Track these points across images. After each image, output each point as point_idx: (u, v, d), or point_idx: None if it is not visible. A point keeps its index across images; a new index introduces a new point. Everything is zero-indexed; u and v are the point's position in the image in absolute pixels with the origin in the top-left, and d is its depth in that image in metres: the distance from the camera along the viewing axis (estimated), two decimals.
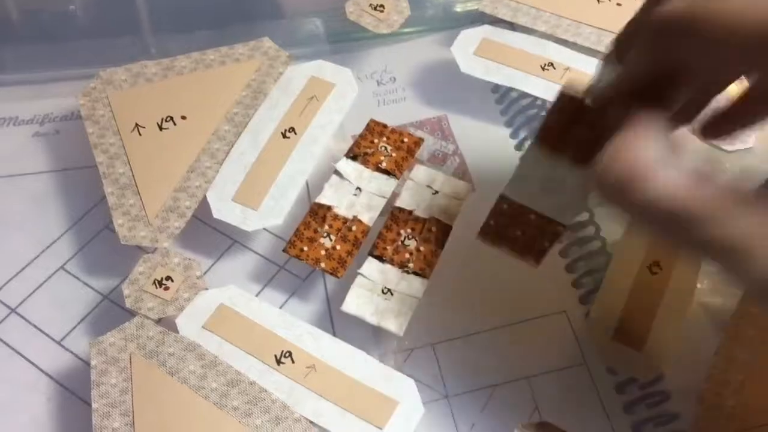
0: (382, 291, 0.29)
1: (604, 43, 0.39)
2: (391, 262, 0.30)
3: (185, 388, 0.27)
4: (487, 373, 0.30)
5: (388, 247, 0.31)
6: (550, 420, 0.28)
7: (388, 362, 0.30)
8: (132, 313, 0.30)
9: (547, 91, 0.36)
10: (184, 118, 0.34)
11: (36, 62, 0.40)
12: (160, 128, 0.34)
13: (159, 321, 0.29)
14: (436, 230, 0.31)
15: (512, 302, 0.31)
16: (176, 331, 0.29)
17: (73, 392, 0.29)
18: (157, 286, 0.30)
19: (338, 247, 0.30)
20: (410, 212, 0.32)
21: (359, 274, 0.30)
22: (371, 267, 0.30)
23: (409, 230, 0.31)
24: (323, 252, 0.30)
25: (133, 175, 0.33)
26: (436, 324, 0.31)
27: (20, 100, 0.38)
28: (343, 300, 0.29)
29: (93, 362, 0.28)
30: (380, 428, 0.27)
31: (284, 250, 0.31)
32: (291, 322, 0.29)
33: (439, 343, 0.31)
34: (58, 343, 0.31)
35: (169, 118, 0.34)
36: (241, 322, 0.29)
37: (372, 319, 0.29)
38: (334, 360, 0.28)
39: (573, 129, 0.28)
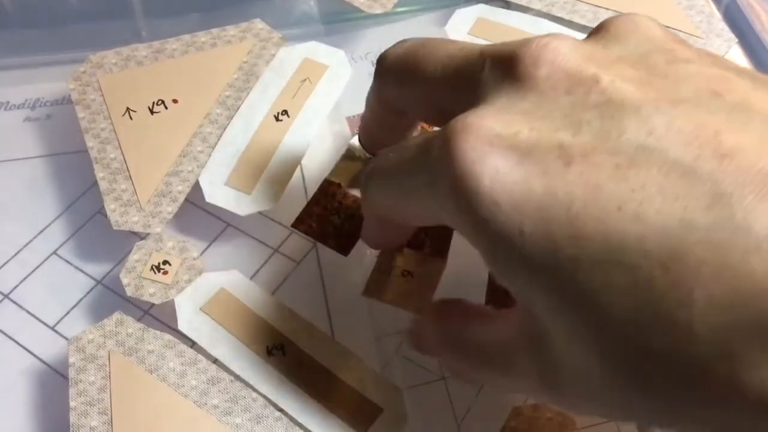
0: (402, 274, 0.29)
1: (600, 20, 0.38)
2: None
3: (164, 386, 0.27)
4: None
5: None
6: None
7: (385, 346, 0.30)
8: (127, 300, 0.30)
9: None
10: (175, 101, 0.34)
11: (26, 46, 0.39)
12: (152, 112, 0.34)
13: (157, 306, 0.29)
14: None
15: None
16: (195, 343, 0.29)
17: (67, 378, 0.29)
18: (156, 271, 0.30)
19: (346, 225, 0.30)
20: None
21: None
22: None
23: None
24: (332, 228, 0.30)
25: (124, 160, 0.32)
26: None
27: (11, 84, 0.38)
28: (339, 285, 0.29)
29: (71, 360, 0.27)
30: None
31: (293, 226, 0.31)
32: (290, 314, 0.29)
33: None
34: (52, 328, 0.31)
35: (160, 102, 0.34)
36: (238, 308, 0.29)
37: None
38: (326, 359, 0.28)
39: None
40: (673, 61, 0.20)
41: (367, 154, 0.31)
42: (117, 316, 0.29)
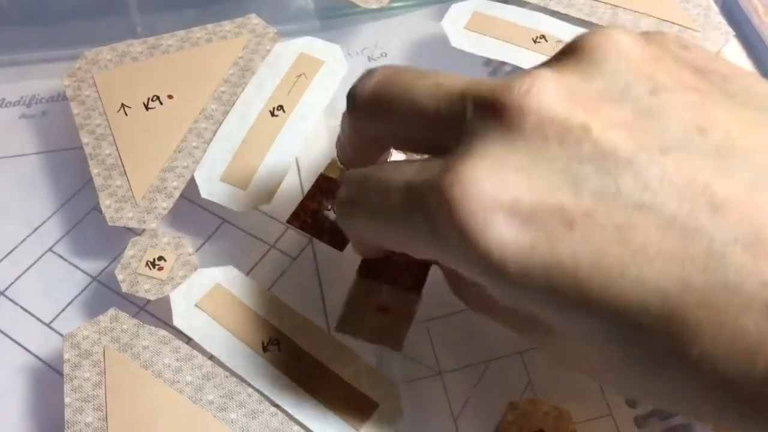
0: (377, 309, 0.29)
1: (597, 14, 0.38)
2: None
3: (159, 382, 0.27)
4: (480, 348, 0.30)
5: None
6: (543, 395, 0.28)
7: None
8: (123, 296, 0.30)
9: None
10: (170, 97, 0.34)
11: (22, 43, 0.39)
12: (147, 108, 0.34)
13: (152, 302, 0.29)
14: None
15: None
16: (191, 339, 0.28)
17: (62, 374, 0.29)
18: (151, 267, 0.29)
19: None
20: None
21: None
22: None
23: None
24: (327, 224, 0.30)
25: (119, 156, 0.32)
26: (429, 300, 0.30)
27: (6, 81, 0.38)
28: (335, 280, 0.29)
29: (66, 356, 0.27)
30: (357, 430, 0.26)
31: (288, 221, 0.31)
32: (286, 310, 0.29)
33: (433, 320, 0.31)
34: (47, 325, 0.31)
35: (155, 98, 0.34)
36: (234, 304, 0.29)
37: None
38: (322, 354, 0.28)
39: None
40: (655, 91, 0.20)
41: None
42: (112, 312, 0.28)
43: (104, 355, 0.27)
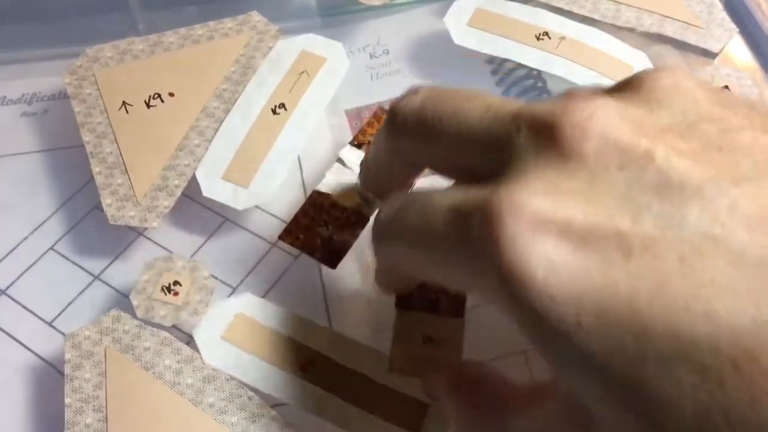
0: (423, 341, 0.28)
1: (600, 11, 0.38)
2: None
3: (160, 384, 0.27)
4: (482, 348, 0.30)
5: None
6: None
7: (384, 339, 0.29)
8: (125, 295, 0.30)
9: (542, 61, 0.36)
10: (172, 95, 0.34)
11: (24, 41, 0.39)
12: (148, 106, 0.33)
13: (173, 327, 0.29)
14: None
15: None
16: (188, 331, 0.28)
17: (64, 374, 0.29)
18: (166, 292, 0.29)
19: (335, 238, 0.30)
20: None
21: None
22: None
23: None
24: (319, 241, 0.30)
25: (120, 154, 0.32)
26: None
27: (7, 79, 0.38)
28: (338, 279, 0.29)
29: (67, 356, 0.27)
30: None
31: (280, 238, 0.30)
32: (313, 328, 0.28)
33: None
34: (49, 324, 0.30)
35: (156, 96, 0.34)
36: (260, 330, 0.28)
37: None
38: (362, 366, 0.27)
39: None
40: (725, 131, 0.19)
41: (366, 185, 0.30)
42: (113, 312, 0.28)
43: (105, 356, 0.27)
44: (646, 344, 0.17)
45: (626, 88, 0.21)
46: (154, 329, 0.28)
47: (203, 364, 0.27)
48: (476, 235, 0.19)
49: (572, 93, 0.21)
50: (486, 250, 0.18)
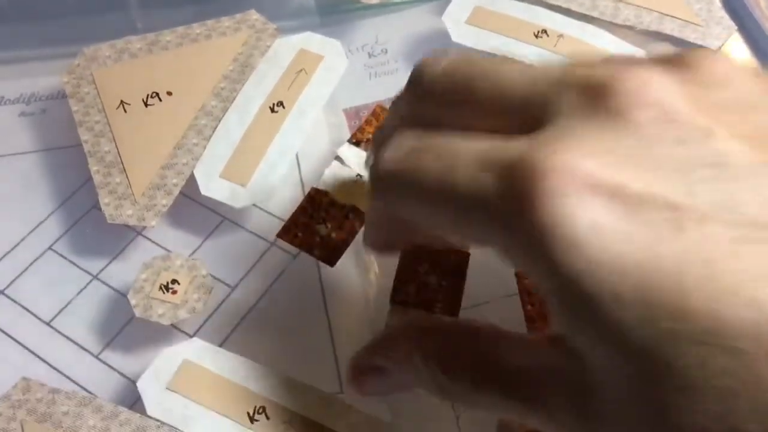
0: None
1: (599, 9, 0.38)
2: None
3: None
4: None
5: None
6: None
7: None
8: (123, 294, 0.29)
9: (541, 59, 0.36)
10: (170, 94, 0.34)
11: (22, 41, 0.39)
12: (146, 105, 0.33)
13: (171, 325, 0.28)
14: None
15: (502, 277, 0.31)
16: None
17: (63, 373, 0.29)
18: (164, 290, 0.29)
19: (333, 235, 0.30)
20: None
21: None
22: None
23: None
24: (318, 239, 0.30)
25: (118, 153, 0.32)
26: None
27: (5, 79, 0.38)
28: (337, 278, 0.29)
29: None
30: None
31: (278, 236, 0.30)
32: (263, 372, 0.27)
33: None
34: (48, 324, 0.30)
35: (154, 95, 0.34)
36: (208, 378, 0.27)
37: None
38: (312, 412, 0.26)
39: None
40: None
41: (362, 168, 0.30)
42: (21, 383, 0.27)
43: (23, 430, 0.26)
44: (684, 323, 0.16)
45: (680, 64, 0.20)
46: (69, 392, 0.27)
47: (129, 416, 0.26)
48: (511, 190, 0.18)
49: (621, 59, 0.20)
50: (521, 206, 0.17)
